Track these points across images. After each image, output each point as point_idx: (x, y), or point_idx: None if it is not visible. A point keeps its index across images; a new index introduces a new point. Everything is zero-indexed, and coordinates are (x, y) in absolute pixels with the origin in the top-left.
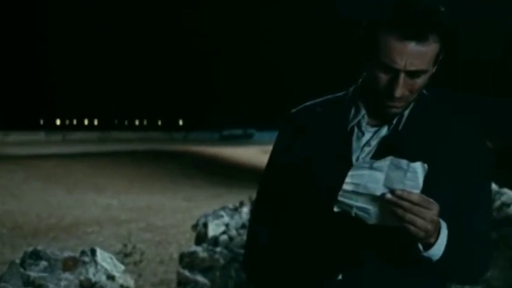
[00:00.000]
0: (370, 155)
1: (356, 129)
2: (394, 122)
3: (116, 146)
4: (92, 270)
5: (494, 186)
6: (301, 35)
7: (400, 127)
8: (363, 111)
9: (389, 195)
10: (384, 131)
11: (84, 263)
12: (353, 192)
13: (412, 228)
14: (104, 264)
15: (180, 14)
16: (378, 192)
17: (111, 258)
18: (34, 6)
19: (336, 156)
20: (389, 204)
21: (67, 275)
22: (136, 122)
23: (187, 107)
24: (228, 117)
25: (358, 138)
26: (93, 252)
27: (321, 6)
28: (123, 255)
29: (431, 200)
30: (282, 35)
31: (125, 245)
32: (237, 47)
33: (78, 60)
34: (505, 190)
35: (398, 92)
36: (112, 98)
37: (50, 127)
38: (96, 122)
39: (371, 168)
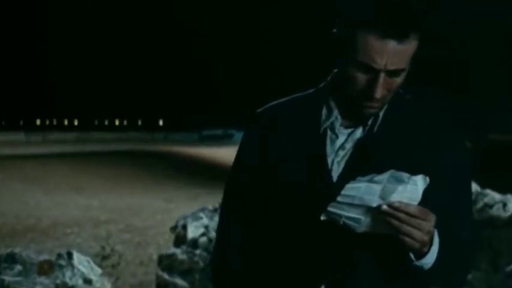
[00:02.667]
0: (345, 159)
1: (329, 132)
2: (369, 123)
3: (96, 146)
4: (68, 273)
5: (476, 187)
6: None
7: (375, 128)
8: (336, 112)
9: (385, 207)
10: (359, 132)
11: (60, 266)
12: (347, 204)
13: (407, 239)
14: (81, 267)
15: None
16: (374, 204)
17: (88, 261)
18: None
19: (311, 161)
20: (384, 215)
21: (43, 279)
22: (117, 122)
23: (168, 107)
24: (207, 117)
25: (332, 141)
26: (69, 255)
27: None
28: (101, 258)
29: (428, 210)
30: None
31: (103, 247)
32: (219, 47)
33: (58, 60)
34: (488, 191)
35: (378, 93)
36: (92, 98)
37: (30, 127)
38: (76, 122)
39: (370, 181)
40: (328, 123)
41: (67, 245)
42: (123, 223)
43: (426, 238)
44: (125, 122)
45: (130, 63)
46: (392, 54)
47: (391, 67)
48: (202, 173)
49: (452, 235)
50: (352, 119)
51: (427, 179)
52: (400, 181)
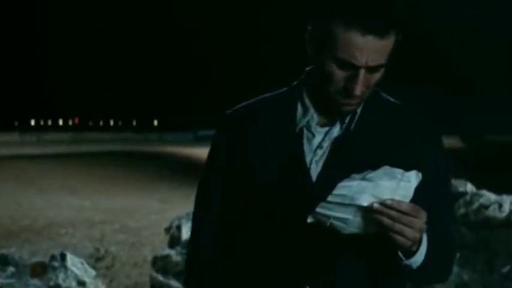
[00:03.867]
0: (323, 158)
1: (305, 131)
2: (347, 121)
3: (91, 147)
4: (61, 275)
5: (472, 188)
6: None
7: (352, 126)
8: (312, 111)
9: (377, 205)
10: (336, 131)
11: (53, 268)
12: (337, 203)
13: (399, 238)
14: (74, 269)
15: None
16: (365, 203)
17: (82, 263)
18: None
19: (288, 161)
20: (375, 213)
21: (35, 281)
22: (111, 123)
23: (162, 107)
24: (202, 117)
25: (309, 141)
26: (63, 257)
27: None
28: (95, 259)
29: (420, 208)
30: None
31: (97, 249)
32: (214, 47)
33: (54, 61)
34: (483, 192)
35: (358, 90)
36: (86, 98)
37: (25, 128)
38: (70, 123)
39: (362, 179)
40: (304, 122)
41: (62, 245)
42: (117, 224)
43: (418, 236)
44: (120, 123)
45: (126, 63)
46: (373, 50)
47: (371, 63)
48: (197, 174)
49: (436, 232)
50: (329, 117)
51: (420, 175)
52: (393, 178)
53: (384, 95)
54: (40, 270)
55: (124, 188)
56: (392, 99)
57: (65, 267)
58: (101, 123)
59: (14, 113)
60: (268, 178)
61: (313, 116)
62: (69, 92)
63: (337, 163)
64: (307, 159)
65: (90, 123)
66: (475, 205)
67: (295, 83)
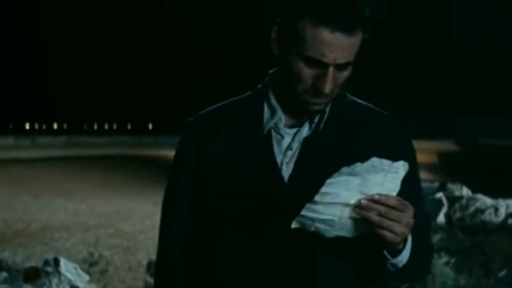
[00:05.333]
0: (294, 159)
1: (274, 133)
2: (315, 121)
3: (85, 151)
4: (55, 281)
5: (468, 192)
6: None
7: (321, 126)
8: (279, 112)
9: (364, 201)
10: (305, 131)
11: (47, 273)
12: (324, 203)
13: (388, 234)
14: (68, 274)
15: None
16: (352, 200)
17: (75, 268)
18: None
19: (259, 163)
20: (362, 211)
21: (28, 286)
22: (106, 126)
23: (157, 110)
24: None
25: (278, 142)
26: (56, 262)
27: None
28: (89, 264)
29: (406, 202)
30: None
31: (91, 254)
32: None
33: (46, 64)
34: (479, 196)
35: (328, 88)
36: (81, 102)
37: (19, 131)
38: (65, 126)
39: (350, 173)
40: (271, 124)
41: (56, 249)
42: (112, 228)
43: (406, 231)
44: (114, 126)
45: (120, 67)
46: (342, 47)
47: (340, 61)
48: None
49: (415, 228)
50: (297, 118)
51: (407, 165)
52: (380, 170)
53: (349, 96)
54: (33, 275)
55: (119, 192)
56: (358, 100)
57: (59, 273)
58: (96, 126)
59: (8, 116)
60: (239, 182)
61: (281, 118)
62: (64, 96)
63: (308, 163)
64: (278, 160)
65: (85, 127)
66: (471, 209)
67: (260, 85)
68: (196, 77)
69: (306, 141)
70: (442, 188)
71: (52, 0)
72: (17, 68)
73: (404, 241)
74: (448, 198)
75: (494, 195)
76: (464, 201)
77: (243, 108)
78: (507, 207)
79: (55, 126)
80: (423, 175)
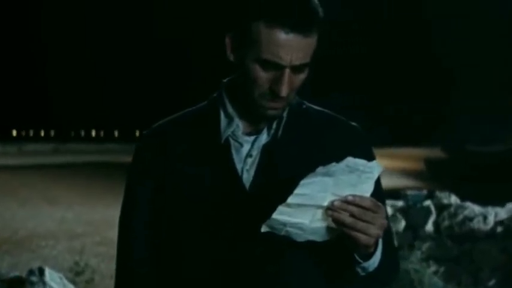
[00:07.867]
0: (254, 166)
1: (232, 141)
2: (273, 127)
3: (72, 158)
4: None
5: (456, 200)
6: None
7: (279, 133)
8: (237, 120)
9: (338, 202)
10: (264, 138)
11: (31, 283)
12: (297, 205)
13: (362, 237)
14: (53, 284)
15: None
16: (325, 202)
17: (60, 277)
18: None
19: (219, 172)
20: (335, 213)
21: None
22: (93, 133)
23: (145, 117)
24: None
25: (237, 150)
26: (41, 271)
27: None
28: (75, 273)
29: (379, 202)
30: None
31: (77, 263)
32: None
33: (32, 70)
34: (468, 204)
35: (284, 91)
36: (68, 108)
37: (5, 138)
38: (52, 133)
39: (325, 174)
40: (229, 132)
41: (42, 257)
42: (98, 236)
43: (380, 233)
44: (102, 133)
45: (107, 74)
46: (297, 48)
47: (296, 62)
48: None
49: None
50: (255, 125)
51: (381, 166)
52: (354, 170)
53: (306, 102)
54: (18, 285)
55: (105, 199)
56: (315, 107)
57: (43, 282)
58: (83, 133)
59: None
60: (200, 191)
61: (239, 125)
62: (51, 103)
63: (268, 170)
64: (238, 168)
65: (72, 134)
66: (460, 217)
67: (215, 94)
68: (185, 85)
69: (265, 148)
70: (430, 196)
71: (35, 8)
72: (3, 76)
73: (375, 244)
74: (436, 206)
75: (482, 201)
76: (452, 209)
77: (200, 118)
78: (496, 215)
79: (42, 133)
80: (411, 182)
